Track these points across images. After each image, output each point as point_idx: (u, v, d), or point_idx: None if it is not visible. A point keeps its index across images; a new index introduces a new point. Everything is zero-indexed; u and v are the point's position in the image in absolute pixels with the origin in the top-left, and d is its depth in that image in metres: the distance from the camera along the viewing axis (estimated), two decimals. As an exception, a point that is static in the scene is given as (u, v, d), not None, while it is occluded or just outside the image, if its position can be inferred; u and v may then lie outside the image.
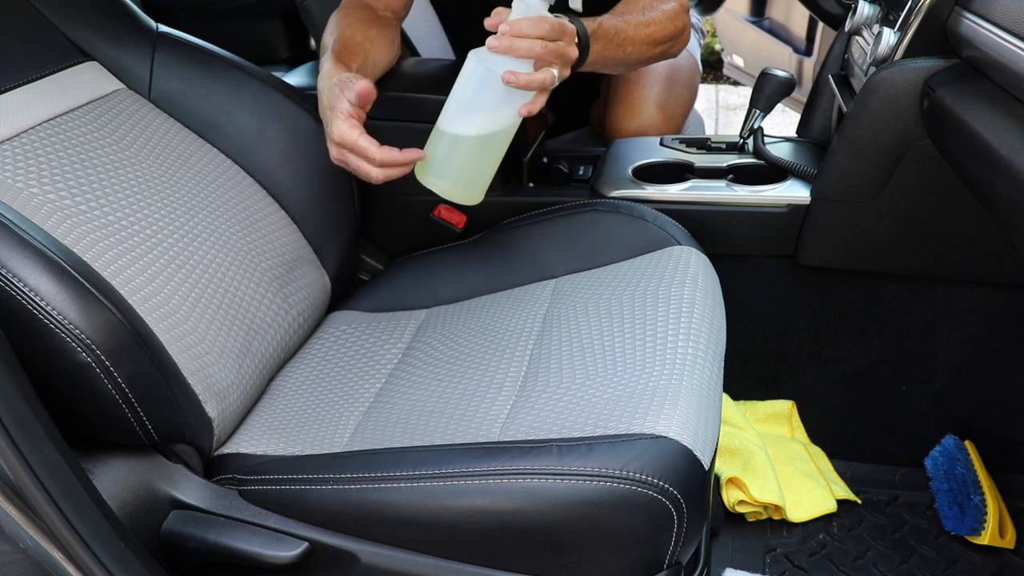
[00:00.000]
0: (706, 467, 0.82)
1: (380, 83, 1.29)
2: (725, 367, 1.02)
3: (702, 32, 1.81)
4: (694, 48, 1.72)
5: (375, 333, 1.14)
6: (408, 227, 1.36)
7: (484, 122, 0.99)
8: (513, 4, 0.97)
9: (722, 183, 1.31)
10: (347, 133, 1.00)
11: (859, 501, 1.35)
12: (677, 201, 1.29)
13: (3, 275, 0.74)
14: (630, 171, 1.34)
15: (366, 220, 1.34)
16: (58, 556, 0.70)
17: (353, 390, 1.03)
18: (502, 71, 0.96)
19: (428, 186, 1.02)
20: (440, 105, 1.13)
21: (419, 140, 1.03)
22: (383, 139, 1.02)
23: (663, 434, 0.80)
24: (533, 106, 0.99)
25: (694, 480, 0.79)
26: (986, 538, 1.24)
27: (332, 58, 1.11)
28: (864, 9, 1.25)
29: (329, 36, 1.20)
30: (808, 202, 1.26)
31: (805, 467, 1.36)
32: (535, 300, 1.11)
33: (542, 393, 0.92)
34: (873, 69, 1.15)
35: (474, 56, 0.99)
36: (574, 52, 1.03)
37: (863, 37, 1.28)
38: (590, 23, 1.11)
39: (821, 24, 2.30)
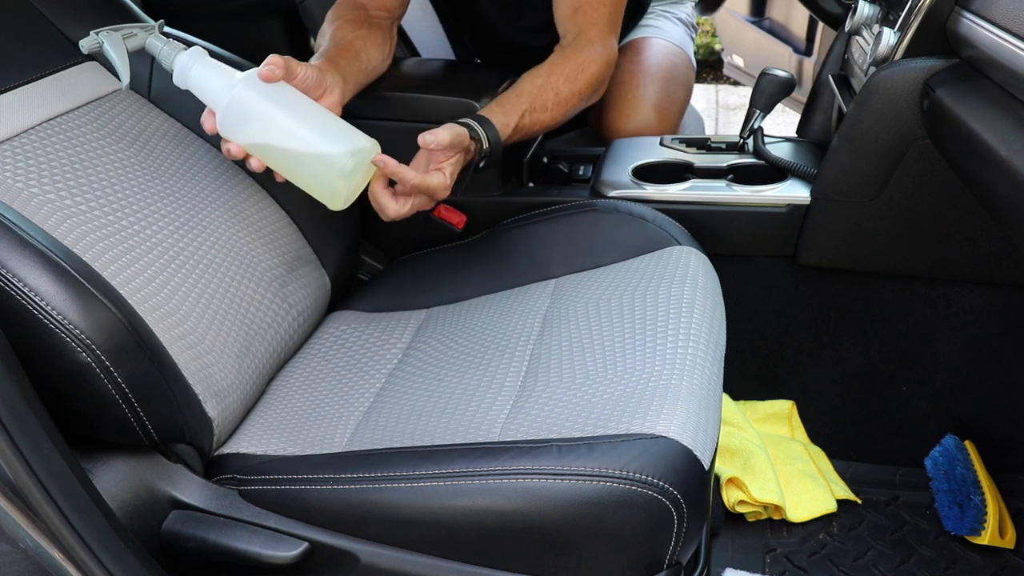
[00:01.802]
0: (706, 467, 0.82)
1: (379, 83, 1.29)
2: (725, 367, 1.02)
3: (694, 28, 1.81)
4: (687, 44, 1.72)
5: (375, 333, 1.14)
6: (408, 227, 1.35)
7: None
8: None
9: (722, 183, 1.31)
10: None
11: (859, 501, 1.35)
12: (677, 201, 1.29)
13: (3, 275, 0.74)
14: (630, 171, 1.34)
15: (366, 220, 1.34)
16: (58, 556, 0.70)
17: (353, 390, 1.03)
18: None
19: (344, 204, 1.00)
20: (440, 104, 1.13)
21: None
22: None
23: (663, 434, 0.80)
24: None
25: (694, 480, 0.79)
26: (986, 538, 1.24)
27: (322, 59, 1.11)
28: (864, 9, 1.25)
29: (322, 38, 1.21)
30: (808, 202, 1.26)
31: (805, 467, 1.36)
32: (535, 300, 1.11)
33: (542, 393, 0.92)
34: (873, 69, 1.15)
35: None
36: (443, 195, 1.06)
37: (863, 37, 1.28)
38: (508, 123, 1.14)
39: (821, 24, 2.30)
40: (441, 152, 1.04)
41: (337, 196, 0.98)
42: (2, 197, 0.87)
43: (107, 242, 0.92)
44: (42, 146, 0.96)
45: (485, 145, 1.10)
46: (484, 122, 1.11)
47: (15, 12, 1.08)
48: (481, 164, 1.12)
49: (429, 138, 1.02)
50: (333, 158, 0.95)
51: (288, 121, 0.95)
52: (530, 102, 1.17)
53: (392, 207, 1.04)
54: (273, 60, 0.95)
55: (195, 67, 0.94)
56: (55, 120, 1.01)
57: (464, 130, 1.06)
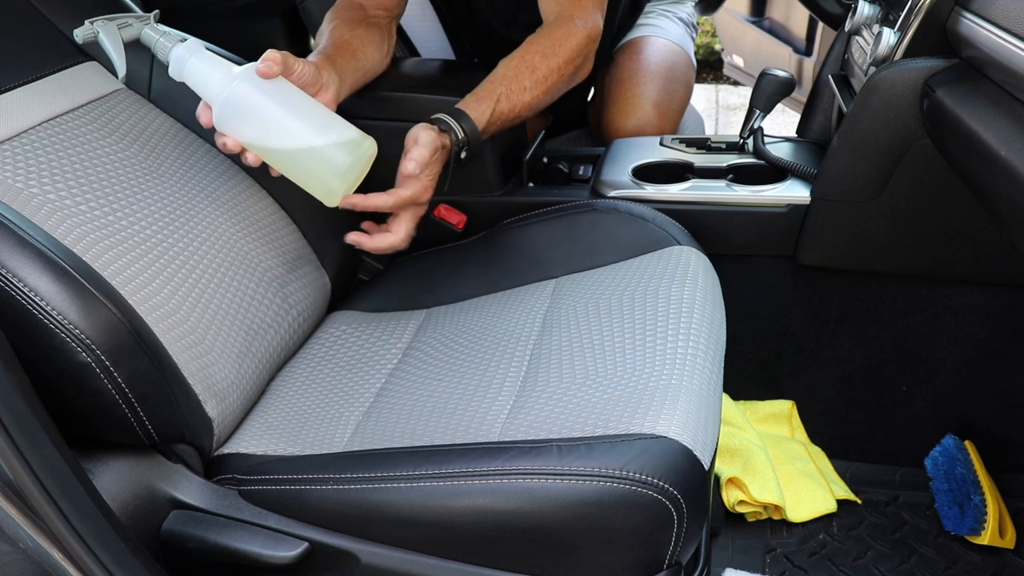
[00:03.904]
0: (706, 467, 0.82)
1: (378, 83, 1.29)
2: (725, 367, 1.02)
3: (695, 27, 1.81)
4: (687, 43, 1.72)
5: (375, 333, 1.14)
6: (408, 227, 1.36)
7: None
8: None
9: (722, 183, 1.31)
10: None
11: (859, 501, 1.35)
12: (677, 201, 1.29)
13: (3, 275, 0.74)
14: (630, 171, 1.34)
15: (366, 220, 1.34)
16: (58, 556, 0.70)
17: (353, 390, 1.03)
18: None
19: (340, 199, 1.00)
20: (439, 104, 1.12)
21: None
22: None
23: (663, 434, 0.80)
24: None
25: (694, 480, 0.79)
26: (986, 538, 1.24)
27: (319, 57, 1.12)
28: (864, 9, 1.25)
29: (320, 37, 1.22)
30: (808, 202, 1.26)
31: (805, 467, 1.36)
32: (535, 300, 1.11)
33: (542, 393, 0.92)
34: (873, 69, 1.15)
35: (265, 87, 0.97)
36: (427, 197, 1.08)
37: (863, 37, 1.28)
38: (484, 110, 1.12)
39: (821, 24, 2.30)
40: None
41: (333, 193, 0.98)
42: (2, 197, 0.87)
43: (107, 242, 0.92)
44: (42, 146, 0.96)
45: (460, 135, 1.09)
46: (458, 115, 1.11)
47: (15, 12, 1.08)
48: (462, 155, 1.11)
49: (411, 166, 1.03)
50: (330, 156, 0.95)
51: (285, 118, 0.95)
52: (505, 85, 1.15)
53: (389, 240, 1.07)
54: (271, 56, 0.95)
55: (192, 60, 0.94)
56: (55, 120, 1.01)
57: (432, 134, 1.06)
